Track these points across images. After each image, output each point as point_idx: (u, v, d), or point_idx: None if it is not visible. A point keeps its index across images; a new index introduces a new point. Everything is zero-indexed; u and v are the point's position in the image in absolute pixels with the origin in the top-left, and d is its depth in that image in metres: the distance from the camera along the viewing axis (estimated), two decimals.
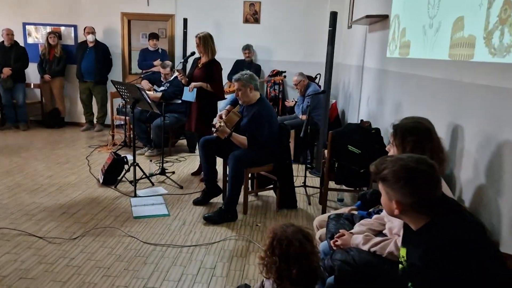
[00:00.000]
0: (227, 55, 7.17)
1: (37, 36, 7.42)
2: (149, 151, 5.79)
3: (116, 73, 7.38)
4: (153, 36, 6.90)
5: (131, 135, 6.19)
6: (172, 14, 7.17)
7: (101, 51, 7.04)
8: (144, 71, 6.87)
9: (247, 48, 6.92)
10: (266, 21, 7.13)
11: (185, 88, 4.65)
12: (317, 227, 2.51)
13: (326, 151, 4.36)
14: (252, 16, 7.11)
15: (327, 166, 3.67)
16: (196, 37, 4.55)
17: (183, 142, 6.43)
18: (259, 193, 4.36)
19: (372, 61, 4.35)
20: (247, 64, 6.95)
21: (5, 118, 7.14)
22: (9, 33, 6.77)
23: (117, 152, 4.79)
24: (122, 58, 7.41)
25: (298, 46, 7.16)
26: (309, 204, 4.18)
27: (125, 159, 4.62)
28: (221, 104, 5.15)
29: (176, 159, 5.69)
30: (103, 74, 7.12)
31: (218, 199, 4.14)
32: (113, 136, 6.33)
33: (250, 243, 3.29)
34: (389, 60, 3.66)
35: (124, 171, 4.54)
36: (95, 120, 7.39)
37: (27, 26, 7.38)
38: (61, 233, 3.31)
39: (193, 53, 4.68)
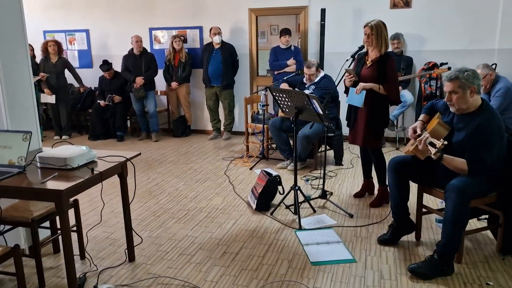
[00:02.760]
0: None
1: (163, 41, 7.11)
2: (292, 164, 5.00)
3: (242, 75, 6.77)
4: (285, 32, 6.11)
5: (269, 146, 5.52)
6: (305, 5, 6.32)
7: (228, 53, 6.46)
8: (276, 72, 6.14)
9: (396, 37, 5.82)
10: (419, 4, 5.93)
11: (350, 89, 3.76)
12: None
13: None
14: (402, 0, 5.96)
15: None
16: (365, 26, 3.65)
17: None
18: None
19: None
20: (396, 56, 5.85)
21: (140, 128, 6.94)
22: (138, 40, 6.48)
23: (266, 170, 4.05)
24: (250, 59, 6.77)
25: (461, 31, 5.84)
26: None
27: (278, 179, 3.86)
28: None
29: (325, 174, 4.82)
30: (230, 78, 6.55)
31: (410, 237, 3.16)
32: (247, 146, 5.68)
33: None
34: None
35: (282, 196, 3.78)
36: (222, 128, 6.87)
37: (153, 31, 7.10)
38: (230, 285, 2.60)
39: (361, 47, 3.76)
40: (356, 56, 3.79)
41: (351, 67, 3.80)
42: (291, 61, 6.03)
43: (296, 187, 3.55)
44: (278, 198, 3.87)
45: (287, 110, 3.55)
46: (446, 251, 2.63)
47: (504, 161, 2.73)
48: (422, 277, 2.63)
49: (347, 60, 3.75)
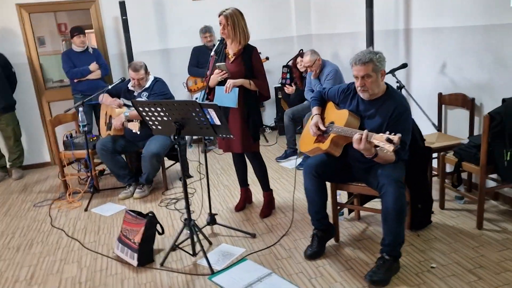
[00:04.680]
0: (179, 43, 5.64)
1: None
2: (138, 190, 4.08)
3: (24, 92, 5.18)
4: (78, 30, 4.91)
5: (96, 175, 4.39)
6: None
7: None
8: (76, 81, 4.90)
9: (208, 30, 5.44)
10: None
11: (216, 89, 3.20)
12: None
13: None
14: None
15: (483, 156, 2.76)
16: (220, 15, 3.12)
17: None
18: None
19: (447, 19, 3.51)
20: (209, 50, 5.49)
21: None
22: None
23: (130, 210, 3.09)
24: (31, 69, 5.20)
25: (263, 21, 5.94)
26: (432, 212, 3.21)
27: (153, 216, 2.96)
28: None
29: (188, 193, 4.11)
30: (7, 97, 4.90)
31: (330, 242, 2.88)
32: (65, 182, 4.34)
33: None
34: None
35: (170, 237, 2.93)
36: (7, 164, 5.13)
37: None
38: None
39: (222, 40, 3.21)
40: (218, 51, 3.22)
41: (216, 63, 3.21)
42: (94, 66, 4.91)
43: (192, 222, 2.78)
44: (157, 240, 3.00)
45: (159, 127, 2.70)
46: (395, 247, 2.45)
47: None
48: (382, 284, 2.38)
49: (211, 56, 3.15)
